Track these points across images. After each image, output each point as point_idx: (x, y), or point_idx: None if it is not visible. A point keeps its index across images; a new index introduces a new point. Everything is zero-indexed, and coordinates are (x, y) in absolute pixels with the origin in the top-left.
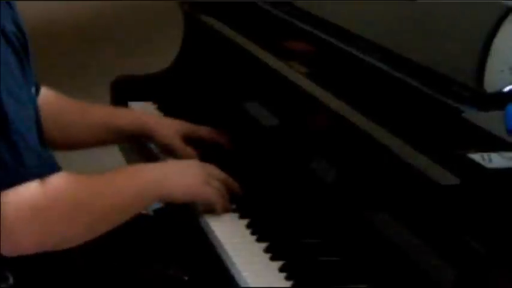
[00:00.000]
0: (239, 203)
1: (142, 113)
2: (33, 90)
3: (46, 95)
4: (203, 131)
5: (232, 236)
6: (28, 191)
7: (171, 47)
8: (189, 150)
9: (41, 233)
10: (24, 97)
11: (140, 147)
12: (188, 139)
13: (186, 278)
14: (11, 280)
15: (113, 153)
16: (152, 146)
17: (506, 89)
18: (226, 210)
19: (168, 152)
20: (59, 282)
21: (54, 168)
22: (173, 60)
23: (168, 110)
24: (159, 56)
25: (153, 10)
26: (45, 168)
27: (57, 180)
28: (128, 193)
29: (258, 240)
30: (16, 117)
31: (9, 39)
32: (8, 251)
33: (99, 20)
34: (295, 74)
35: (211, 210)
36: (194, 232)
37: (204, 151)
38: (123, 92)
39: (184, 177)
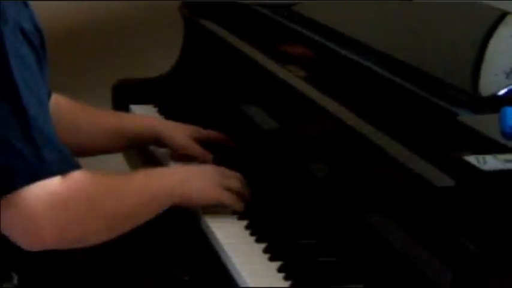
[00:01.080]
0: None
1: (153, 119)
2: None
3: (58, 101)
4: (212, 134)
5: (231, 237)
6: (50, 186)
7: (171, 50)
8: (206, 153)
9: (62, 227)
10: (43, 94)
11: (143, 152)
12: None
13: (187, 279)
14: (15, 280)
15: (116, 159)
16: (154, 151)
17: (501, 92)
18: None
19: (181, 157)
20: (62, 282)
21: (73, 165)
22: (173, 64)
23: (168, 112)
24: (160, 59)
25: (154, 14)
26: (65, 165)
27: (78, 176)
28: (147, 195)
29: (257, 241)
30: (36, 113)
31: (28, 39)
32: (29, 244)
33: (100, 24)
34: (293, 78)
35: (211, 212)
36: (194, 233)
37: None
38: (124, 95)
39: (201, 181)
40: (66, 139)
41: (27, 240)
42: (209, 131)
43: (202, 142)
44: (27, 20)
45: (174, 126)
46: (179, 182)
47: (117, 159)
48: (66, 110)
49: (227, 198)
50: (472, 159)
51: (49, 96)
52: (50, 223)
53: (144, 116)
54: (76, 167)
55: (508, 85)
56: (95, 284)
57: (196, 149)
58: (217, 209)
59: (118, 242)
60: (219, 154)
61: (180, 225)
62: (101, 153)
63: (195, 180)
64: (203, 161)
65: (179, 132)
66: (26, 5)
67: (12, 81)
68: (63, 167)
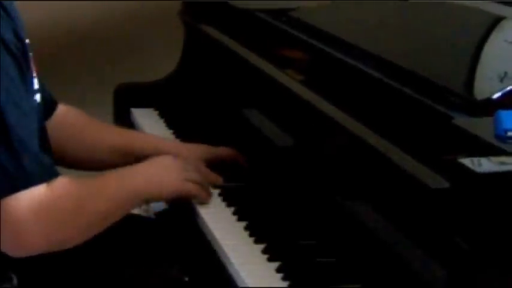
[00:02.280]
0: (237, 206)
1: (160, 138)
2: (37, 97)
3: (67, 113)
4: (223, 151)
5: (230, 238)
6: (34, 193)
7: (171, 55)
8: (213, 175)
9: (46, 232)
10: (25, 105)
11: None
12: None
13: (187, 279)
14: (15, 281)
15: None
16: None
17: (495, 96)
18: (208, 197)
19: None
20: (62, 283)
21: (54, 174)
22: (174, 68)
23: (168, 116)
24: (160, 64)
25: (154, 20)
26: (45, 174)
27: (60, 183)
28: (121, 196)
29: (256, 242)
30: (17, 124)
31: (9, 49)
32: (17, 251)
33: (103, 29)
34: (292, 81)
35: (211, 213)
36: (194, 235)
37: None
38: (126, 98)
39: (168, 176)
40: (69, 151)
41: (13, 247)
42: (219, 148)
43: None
44: (8, 29)
45: (183, 148)
46: (148, 180)
47: None
48: (73, 123)
49: (192, 189)
50: (467, 161)
51: (54, 105)
52: (35, 229)
53: (152, 136)
54: (55, 176)
55: (502, 89)
56: (94, 285)
57: (203, 171)
58: (218, 211)
59: (121, 243)
60: (229, 171)
61: (181, 227)
62: (104, 169)
63: (162, 175)
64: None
65: (189, 154)
66: (7, 13)
67: None
68: (43, 177)
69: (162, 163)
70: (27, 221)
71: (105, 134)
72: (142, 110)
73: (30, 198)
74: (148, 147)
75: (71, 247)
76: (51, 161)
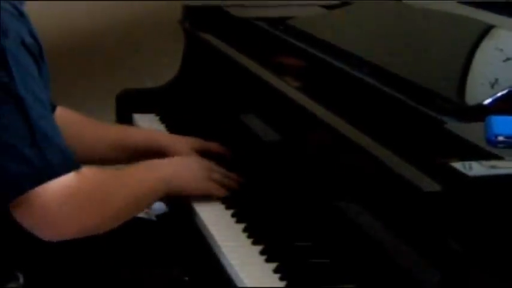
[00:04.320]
0: (236, 209)
1: (155, 131)
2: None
3: (64, 114)
4: (212, 145)
5: (229, 240)
6: (64, 182)
7: (172, 62)
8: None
9: (78, 218)
10: (46, 100)
11: None
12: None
13: (187, 279)
14: (21, 280)
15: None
16: None
17: (486, 101)
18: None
19: None
20: (67, 282)
21: (76, 165)
22: (175, 75)
23: (169, 121)
24: (162, 71)
25: (156, 28)
26: (70, 166)
27: (88, 172)
28: (147, 185)
29: (254, 243)
30: (39, 118)
31: (29, 50)
32: (50, 237)
33: (105, 37)
34: (289, 88)
35: (210, 215)
36: (194, 236)
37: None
38: (128, 104)
39: (190, 172)
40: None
41: (47, 234)
42: (209, 142)
43: (203, 153)
44: (26, 32)
45: (176, 138)
46: (173, 174)
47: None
48: (71, 123)
49: (214, 188)
50: (458, 165)
51: (54, 108)
52: (67, 217)
53: (147, 129)
54: (78, 167)
55: (493, 95)
56: (95, 285)
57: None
58: (217, 213)
59: (123, 244)
60: (218, 163)
61: (181, 229)
62: (104, 164)
63: (185, 172)
64: None
65: (181, 145)
66: (23, 16)
67: (16, 89)
68: (68, 168)
69: (190, 160)
70: (57, 210)
71: (103, 132)
72: (144, 115)
73: (59, 185)
74: (144, 139)
75: (101, 233)
76: (73, 154)
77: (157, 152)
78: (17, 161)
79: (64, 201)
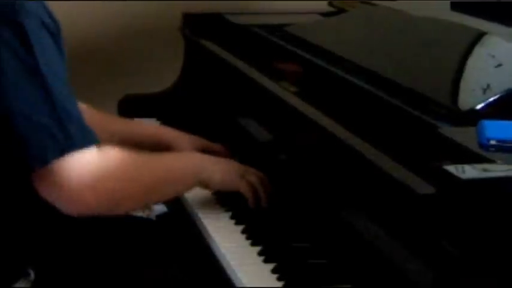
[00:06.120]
0: (234, 211)
1: (160, 127)
2: None
3: None
4: (216, 147)
5: (228, 241)
6: (86, 157)
7: (173, 68)
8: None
9: (99, 193)
10: (65, 77)
11: None
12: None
13: (186, 279)
14: (32, 276)
15: None
16: None
17: (478, 106)
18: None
19: None
20: (77, 279)
21: (96, 140)
22: (175, 80)
23: (170, 126)
24: (162, 76)
25: (156, 35)
26: (90, 141)
27: (112, 150)
28: (175, 170)
29: (252, 244)
30: (60, 94)
31: (49, 30)
32: (69, 210)
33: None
34: (286, 93)
35: (210, 217)
36: (194, 237)
37: None
38: (129, 109)
39: (224, 167)
40: None
41: (67, 207)
42: (213, 143)
43: (204, 152)
44: (44, 12)
45: (180, 135)
46: (202, 164)
47: None
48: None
49: (245, 188)
50: (451, 168)
51: None
52: (87, 191)
53: (152, 125)
54: (97, 142)
55: (485, 100)
56: (95, 284)
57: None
58: (217, 215)
59: (124, 244)
60: None
61: (181, 229)
62: None
63: (218, 165)
64: None
65: (184, 142)
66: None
67: (38, 67)
68: (88, 143)
69: (227, 160)
70: (77, 183)
71: (107, 123)
72: (145, 120)
73: (79, 161)
74: (149, 134)
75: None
76: (91, 129)
77: (161, 148)
78: (40, 134)
79: (85, 175)
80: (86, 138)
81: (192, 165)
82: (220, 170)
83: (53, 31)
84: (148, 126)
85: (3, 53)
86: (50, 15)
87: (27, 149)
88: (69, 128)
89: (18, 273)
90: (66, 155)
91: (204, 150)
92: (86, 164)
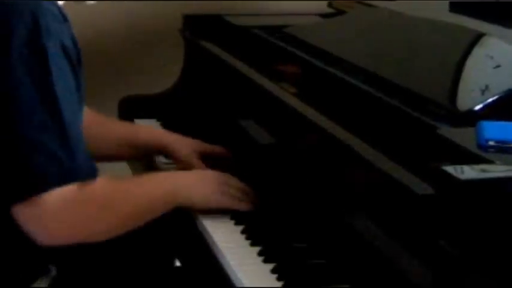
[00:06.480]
0: (234, 212)
1: (161, 131)
2: None
3: None
4: (216, 149)
5: (228, 241)
6: (67, 191)
7: (173, 69)
8: (204, 167)
9: (71, 226)
10: (77, 106)
11: (147, 161)
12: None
13: (187, 279)
14: (53, 272)
15: (120, 165)
16: (158, 160)
17: (477, 107)
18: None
19: (182, 168)
20: (98, 276)
21: (95, 168)
22: (175, 82)
23: (170, 126)
24: (162, 77)
25: (157, 36)
26: (91, 169)
27: (94, 183)
28: (155, 197)
29: (252, 244)
30: (71, 122)
31: (68, 54)
32: (45, 240)
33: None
34: (286, 94)
35: (210, 217)
36: (194, 237)
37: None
38: (130, 110)
39: (203, 187)
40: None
41: (42, 237)
42: (212, 145)
43: (204, 156)
44: (67, 36)
45: (180, 139)
46: (182, 187)
47: (121, 166)
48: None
49: (226, 202)
50: (450, 169)
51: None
52: (60, 224)
53: (151, 128)
54: (96, 170)
55: (484, 101)
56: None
57: (196, 163)
58: (216, 215)
59: (125, 244)
60: (218, 167)
61: (181, 230)
62: (108, 161)
63: (197, 185)
64: None
65: (184, 145)
66: (66, 21)
67: (53, 91)
68: (89, 171)
69: (206, 174)
70: (53, 214)
71: (108, 126)
72: (145, 120)
73: (61, 195)
74: (151, 138)
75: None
76: (91, 157)
77: (161, 151)
78: (47, 158)
79: (63, 209)
80: (90, 169)
81: (171, 190)
82: (199, 190)
83: (72, 56)
84: (148, 130)
85: (21, 73)
86: (73, 39)
87: (27, 172)
88: (78, 160)
89: (40, 270)
90: (65, 185)
91: (204, 153)
92: (65, 198)
